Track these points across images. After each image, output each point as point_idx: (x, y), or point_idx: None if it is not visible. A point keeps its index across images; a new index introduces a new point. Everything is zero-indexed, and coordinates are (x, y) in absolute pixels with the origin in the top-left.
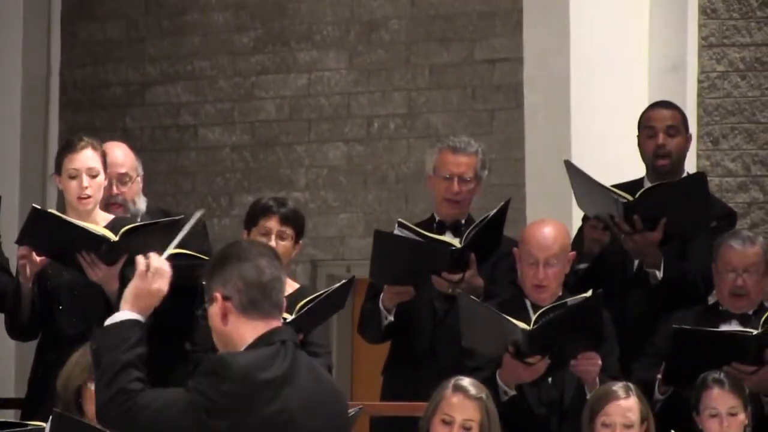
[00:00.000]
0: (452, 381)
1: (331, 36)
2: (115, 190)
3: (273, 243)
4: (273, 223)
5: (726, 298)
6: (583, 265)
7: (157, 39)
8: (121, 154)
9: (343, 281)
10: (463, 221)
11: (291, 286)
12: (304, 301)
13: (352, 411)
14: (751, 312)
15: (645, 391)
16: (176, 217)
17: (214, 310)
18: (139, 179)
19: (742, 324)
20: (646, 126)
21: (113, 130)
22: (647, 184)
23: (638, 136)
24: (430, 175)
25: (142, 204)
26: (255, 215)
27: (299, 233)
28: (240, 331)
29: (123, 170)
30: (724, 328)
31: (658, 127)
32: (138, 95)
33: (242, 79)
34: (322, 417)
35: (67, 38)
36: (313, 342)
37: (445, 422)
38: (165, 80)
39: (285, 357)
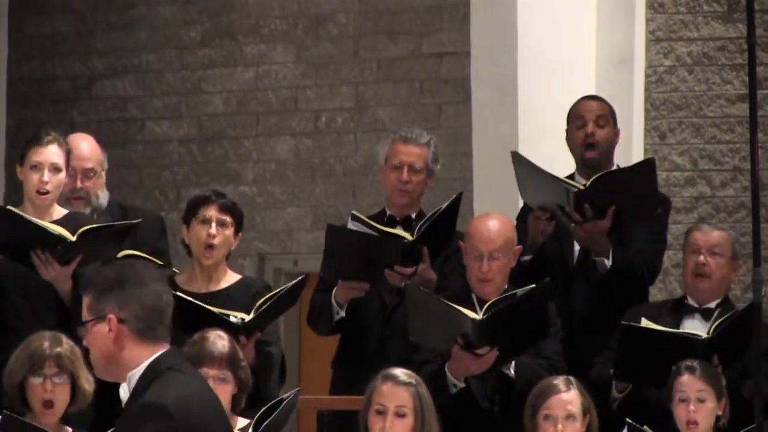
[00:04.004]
0: (382, 372)
1: (279, 30)
2: (79, 184)
3: (214, 230)
4: (213, 212)
5: (690, 281)
6: (527, 257)
7: (105, 33)
8: (87, 147)
9: (298, 279)
10: (413, 216)
11: (233, 277)
12: (262, 300)
13: (290, 394)
14: (714, 305)
15: (605, 388)
16: (133, 221)
17: (103, 330)
18: (104, 173)
19: (705, 318)
20: (575, 117)
21: (60, 124)
22: (578, 179)
23: (567, 129)
24: (382, 167)
25: (104, 199)
26: (194, 207)
27: (239, 224)
28: (136, 356)
29: (89, 165)
30: (686, 322)
31: (587, 117)
32: (85, 89)
33: (189, 72)
34: (225, 421)
35: (14, 32)
36: (265, 331)
37: (378, 412)
38: (112, 74)
39: (194, 377)
